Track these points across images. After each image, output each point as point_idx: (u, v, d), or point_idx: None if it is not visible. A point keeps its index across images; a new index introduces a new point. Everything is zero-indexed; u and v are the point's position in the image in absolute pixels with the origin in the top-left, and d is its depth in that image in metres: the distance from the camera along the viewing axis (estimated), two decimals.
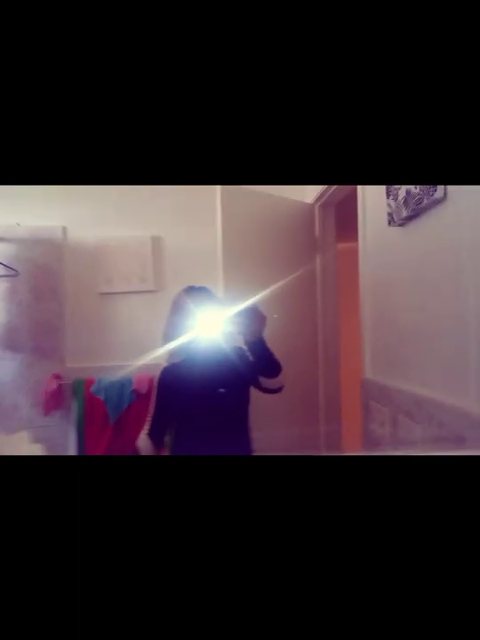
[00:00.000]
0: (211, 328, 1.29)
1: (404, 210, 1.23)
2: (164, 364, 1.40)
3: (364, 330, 1.64)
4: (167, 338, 1.34)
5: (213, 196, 1.88)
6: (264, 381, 1.32)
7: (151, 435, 1.39)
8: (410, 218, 1.22)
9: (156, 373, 1.42)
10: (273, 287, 1.59)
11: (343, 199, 2.11)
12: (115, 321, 2.38)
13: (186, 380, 1.35)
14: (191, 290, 1.37)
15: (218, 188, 1.84)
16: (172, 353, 1.35)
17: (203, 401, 1.31)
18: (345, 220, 2.12)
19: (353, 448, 2.22)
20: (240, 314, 1.21)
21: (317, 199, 2.18)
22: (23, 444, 1.29)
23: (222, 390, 1.31)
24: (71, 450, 2.20)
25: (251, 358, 1.30)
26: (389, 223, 1.33)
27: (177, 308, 1.35)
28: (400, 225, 1.28)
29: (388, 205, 1.32)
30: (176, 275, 2.29)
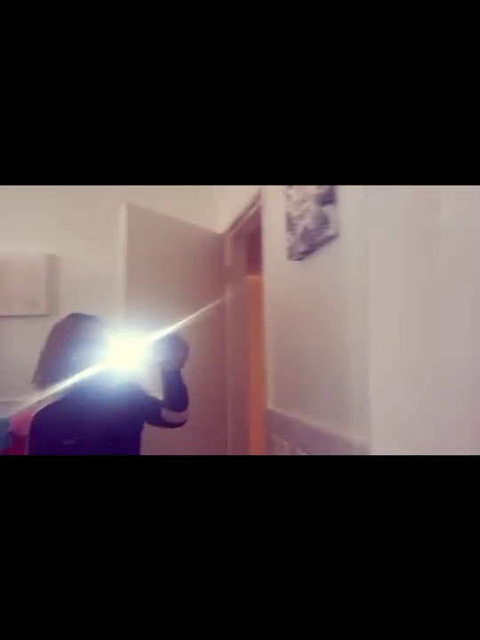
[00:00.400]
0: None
1: (301, 244, 1.26)
2: (39, 407, 1.21)
3: (268, 361, 1.65)
4: (45, 372, 1.18)
5: (118, 215, 1.77)
6: (169, 415, 1.25)
7: None
8: (306, 252, 1.25)
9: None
10: (185, 316, 1.54)
11: (254, 231, 2.15)
12: None
13: (65, 425, 1.17)
14: (78, 317, 1.24)
15: (123, 207, 1.75)
16: (52, 391, 1.18)
17: (85, 449, 1.14)
18: (257, 252, 2.15)
19: None
20: (164, 341, 1.14)
21: (229, 230, 2.20)
22: None
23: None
24: None
25: (152, 393, 1.22)
26: (288, 257, 1.35)
27: (60, 338, 1.20)
28: (298, 259, 1.31)
29: (288, 239, 1.35)
30: (72, 298, 2.08)
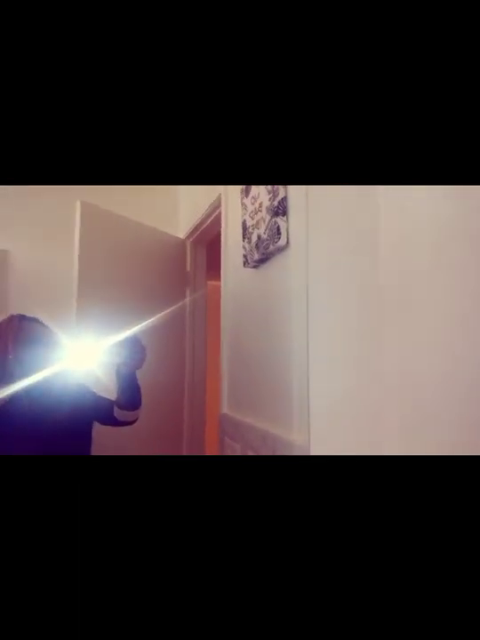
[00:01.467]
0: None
1: (255, 253, 1.30)
2: None
3: (223, 366, 1.68)
4: None
5: (73, 212, 1.74)
6: (122, 414, 1.27)
7: None
8: (260, 261, 1.29)
9: None
10: (143, 318, 1.54)
11: (214, 238, 2.18)
12: None
13: (15, 424, 1.14)
14: (22, 318, 1.21)
15: (77, 205, 1.72)
16: None
17: (38, 448, 1.12)
18: (217, 258, 2.18)
19: None
20: (122, 343, 1.16)
21: (189, 235, 2.22)
22: None
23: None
24: None
25: (100, 393, 1.22)
26: (244, 264, 1.39)
27: (4, 337, 1.15)
28: (253, 267, 1.35)
29: (243, 248, 1.39)
30: (23, 296, 2.02)
